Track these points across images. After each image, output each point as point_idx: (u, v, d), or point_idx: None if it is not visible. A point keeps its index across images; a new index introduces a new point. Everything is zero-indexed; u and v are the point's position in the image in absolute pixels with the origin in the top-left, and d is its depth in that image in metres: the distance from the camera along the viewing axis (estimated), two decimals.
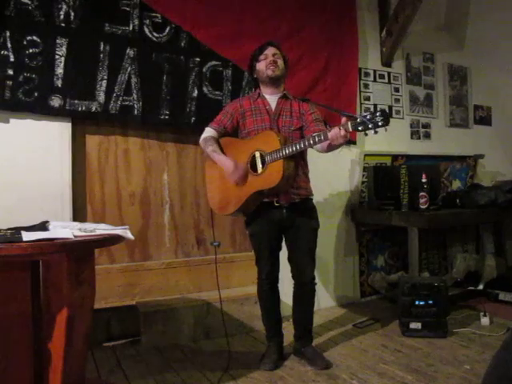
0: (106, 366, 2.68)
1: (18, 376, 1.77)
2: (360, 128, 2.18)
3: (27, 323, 1.78)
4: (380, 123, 2.13)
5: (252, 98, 2.70)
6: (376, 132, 2.16)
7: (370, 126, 2.14)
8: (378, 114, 2.14)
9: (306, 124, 2.62)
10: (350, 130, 2.21)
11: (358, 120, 2.18)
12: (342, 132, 2.22)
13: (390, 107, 4.25)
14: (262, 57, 2.61)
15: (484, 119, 5.08)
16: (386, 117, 2.14)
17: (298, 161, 2.55)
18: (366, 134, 2.19)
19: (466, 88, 4.90)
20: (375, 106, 4.11)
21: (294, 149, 2.35)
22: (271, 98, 2.66)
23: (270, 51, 2.61)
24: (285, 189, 2.49)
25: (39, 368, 1.81)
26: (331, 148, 2.46)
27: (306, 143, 2.36)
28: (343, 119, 2.26)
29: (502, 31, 4.69)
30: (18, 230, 1.76)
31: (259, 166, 2.47)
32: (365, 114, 2.19)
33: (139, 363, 2.73)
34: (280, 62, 2.62)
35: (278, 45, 2.67)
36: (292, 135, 2.55)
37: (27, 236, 1.65)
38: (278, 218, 2.58)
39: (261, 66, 2.62)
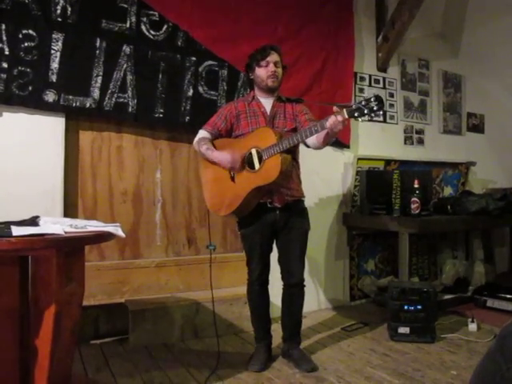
0: (93, 363, 2.66)
1: (3, 371, 1.75)
2: (356, 114, 2.17)
3: (14, 318, 1.77)
4: (375, 108, 2.14)
5: (246, 100, 2.70)
6: (372, 118, 2.16)
7: (365, 111, 2.14)
8: (372, 99, 2.15)
9: (299, 124, 2.61)
10: (346, 116, 2.19)
11: (354, 107, 2.18)
12: (340, 118, 2.21)
13: (385, 112, 4.27)
14: (263, 63, 2.57)
15: (477, 127, 5.12)
16: (381, 101, 2.14)
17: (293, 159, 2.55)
18: (362, 120, 2.18)
19: (460, 95, 4.94)
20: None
21: (291, 142, 2.35)
22: (266, 101, 2.66)
23: (272, 58, 2.57)
24: (283, 184, 2.49)
25: (25, 364, 1.80)
26: (327, 140, 2.44)
27: (303, 135, 2.35)
28: (335, 108, 2.24)
29: (496, 40, 4.73)
30: (7, 225, 1.74)
31: (256, 162, 2.47)
32: (359, 100, 2.21)
33: (126, 361, 2.72)
34: (279, 72, 2.61)
35: (279, 50, 2.64)
36: (285, 135, 2.55)
37: (17, 231, 1.64)
38: (272, 220, 2.58)
39: (261, 72, 2.59)
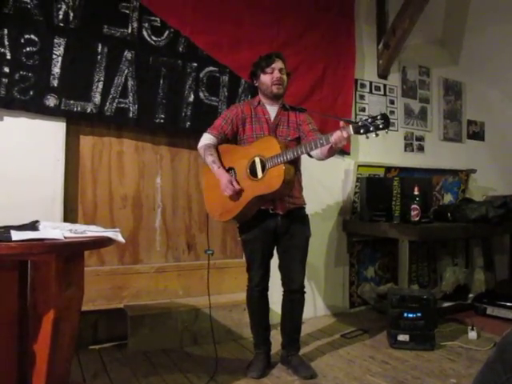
0: (92, 369, 2.65)
1: (1, 376, 1.74)
2: (362, 131, 2.21)
3: (13, 323, 1.76)
4: (381, 126, 2.17)
5: (252, 104, 2.70)
6: (377, 134, 2.19)
7: (371, 128, 2.18)
8: (378, 117, 2.19)
9: (303, 134, 2.63)
10: (352, 133, 2.23)
11: (360, 123, 2.22)
12: (345, 134, 2.25)
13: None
14: (268, 69, 2.59)
15: (477, 134, 5.12)
16: (387, 120, 2.18)
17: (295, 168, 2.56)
18: (367, 137, 2.21)
19: (461, 103, 4.95)
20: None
21: (295, 153, 2.38)
22: (271, 108, 2.67)
23: (277, 65, 2.59)
24: (285, 193, 2.50)
25: (23, 369, 1.79)
26: (331, 153, 2.48)
27: (308, 147, 2.38)
28: (341, 123, 2.28)
29: (497, 47, 4.74)
30: (7, 229, 1.74)
31: (259, 171, 2.47)
32: (365, 117, 2.24)
33: (125, 367, 2.71)
34: (284, 79, 2.63)
35: (284, 58, 2.66)
36: (288, 145, 2.55)
37: (17, 235, 1.63)
38: (273, 226, 2.58)
39: (266, 78, 2.60)
